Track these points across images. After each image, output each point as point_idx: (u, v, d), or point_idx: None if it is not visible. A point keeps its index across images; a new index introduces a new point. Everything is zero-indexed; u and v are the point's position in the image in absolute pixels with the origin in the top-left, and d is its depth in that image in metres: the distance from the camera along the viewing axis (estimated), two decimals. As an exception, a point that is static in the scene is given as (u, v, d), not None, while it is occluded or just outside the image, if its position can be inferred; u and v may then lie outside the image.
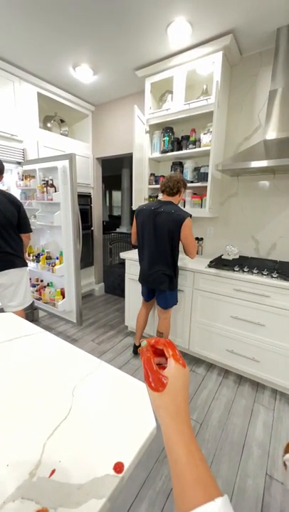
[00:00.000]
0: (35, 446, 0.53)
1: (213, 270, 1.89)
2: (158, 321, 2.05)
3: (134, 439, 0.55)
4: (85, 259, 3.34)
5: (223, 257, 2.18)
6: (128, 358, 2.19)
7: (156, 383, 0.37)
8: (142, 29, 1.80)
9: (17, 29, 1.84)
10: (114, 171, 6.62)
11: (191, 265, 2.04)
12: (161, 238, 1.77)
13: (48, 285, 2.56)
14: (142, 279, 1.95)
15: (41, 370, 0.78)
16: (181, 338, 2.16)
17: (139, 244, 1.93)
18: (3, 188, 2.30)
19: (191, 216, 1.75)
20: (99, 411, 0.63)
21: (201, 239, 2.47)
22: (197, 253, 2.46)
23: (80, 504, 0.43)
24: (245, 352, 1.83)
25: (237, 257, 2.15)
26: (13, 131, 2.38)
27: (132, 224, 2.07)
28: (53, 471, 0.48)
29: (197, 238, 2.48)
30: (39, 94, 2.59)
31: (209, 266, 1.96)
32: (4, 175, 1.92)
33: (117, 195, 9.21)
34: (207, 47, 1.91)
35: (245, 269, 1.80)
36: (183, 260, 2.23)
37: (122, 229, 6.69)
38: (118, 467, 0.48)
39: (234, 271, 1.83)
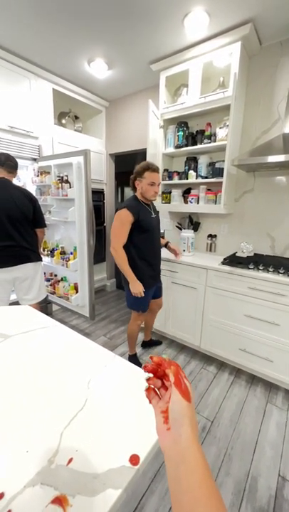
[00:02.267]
0: (52, 435, 0.54)
1: (226, 268, 1.86)
2: None
3: (149, 433, 0.55)
4: (97, 255, 3.37)
5: (237, 254, 2.14)
6: (139, 353, 2.20)
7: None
8: (158, 21, 1.77)
9: (31, 25, 1.86)
10: (127, 167, 6.59)
11: (204, 262, 2.01)
12: None
13: (61, 280, 2.61)
14: None
15: (57, 361, 0.80)
16: (193, 336, 2.15)
17: None
18: (20, 184, 2.35)
19: (127, 207, 1.60)
20: (114, 404, 0.63)
21: (215, 236, 2.43)
22: (210, 250, 2.45)
23: (97, 493, 0.44)
24: (259, 351, 1.80)
25: (252, 254, 2.10)
26: (28, 128, 2.42)
27: None
28: (71, 460, 0.49)
29: (210, 235, 2.44)
30: (54, 91, 2.61)
31: (223, 263, 1.92)
32: (20, 171, 1.96)
33: (128, 191, 9.20)
34: (225, 37, 1.85)
35: (260, 267, 1.76)
36: (193, 257, 2.20)
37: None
38: (134, 459, 0.49)
39: (249, 269, 1.79)
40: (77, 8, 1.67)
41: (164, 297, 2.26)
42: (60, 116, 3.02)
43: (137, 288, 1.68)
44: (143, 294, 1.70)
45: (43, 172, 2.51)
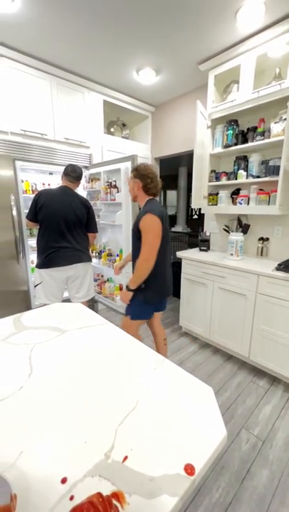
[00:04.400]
0: (107, 430, 0.56)
1: (282, 274, 1.70)
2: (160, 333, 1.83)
3: (204, 443, 0.53)
4: (141, 258, 3.43)
5: (294, 259, 1.94)
6: (183, 358, 2.16)
7: None
8: (208, 19, 1.73)
9: (85, 45, 2.01)
10: (170, 170, 6.64)
11: (254, 267, 1.88)
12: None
13: (107, 280, 2.73)
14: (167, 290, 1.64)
15: (109, 359, 0.83)
16: (241, 346, 2.01)
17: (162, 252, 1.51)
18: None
19: None
20: (165, 407, 0.63)
21: (267, 239, 2.25)
22: (261, 254, 2.27)
23: (153, 496, 0.43)
24: None
25: (312, 260, 1.88)
26: (81, 139, 2.62)
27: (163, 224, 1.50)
28: (126, 458, 0.50)
29: (262, 238, 2.26)
30: (105, 102, 2.77)
31: (277, 269, 1.76)
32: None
33: (171, 194, 9.21)
34: (282, 25, 1.72)
35: None
36: (242, 261, 2.07)
37: (178, 228, 6.64)
38: (189, 469, 0.47)
39: (309, 276, 1.60)
40: (127, 18, 1.74)
41: (209, 303, 2.18)
42: (109, 125, 3.18)
43: None
44: None
45: (93, 178, 2.68)
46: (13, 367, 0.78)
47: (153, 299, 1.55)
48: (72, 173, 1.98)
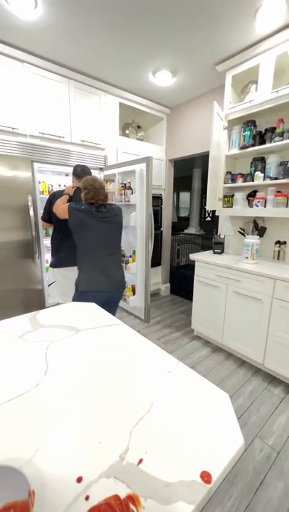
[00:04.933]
0: (122, 432, 0.56)
1: (300, 279, 1.64)
2: None
3: (221, 451, 0.51)
4: (153, 259, 3.43)
5: (313, 264, 1.87)
6: (194, 362, 2.13)
7: None
8: (226, 20, 1.71)
9: (102, 46, 2.03)
10: (184, 172, 6.62)
11: (270, 271, 1.83)
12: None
13: (119, 281, 2.74)
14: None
15: (123, 359, 0.83)
16: (255, 351, 1.96)
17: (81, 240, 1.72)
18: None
19: None
20: (180, 412, 0.62)
21: (284, 243, 2.18)
22: (278, 258, 2.21)
23: (168, 502, 0.42)
24: None
25: None
26: (97, 141, 2.65)
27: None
28: (141, 461, 0.49)
29: (279, 242, 2.20)
30: (120, 104, 2.80)
31: (295, 273, 1.70)
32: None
33: (183, 196, 9.16)
34: (305, 23, 1.67)
35: None
36: (258, 265, 2.02)
37: (191, 230, 6.59)
38: (206, 476, 0.46)
39: None
40: (144, 20, 1.76)
41: (223, 306, 2.14)
42: (124, 127, 3.21)
43: None
44: None
45: (108, 180, 2.71)
46: (29, 364, 0.79)
47: (81, 284, 1.66)
48: (83, 174, 2.01)
